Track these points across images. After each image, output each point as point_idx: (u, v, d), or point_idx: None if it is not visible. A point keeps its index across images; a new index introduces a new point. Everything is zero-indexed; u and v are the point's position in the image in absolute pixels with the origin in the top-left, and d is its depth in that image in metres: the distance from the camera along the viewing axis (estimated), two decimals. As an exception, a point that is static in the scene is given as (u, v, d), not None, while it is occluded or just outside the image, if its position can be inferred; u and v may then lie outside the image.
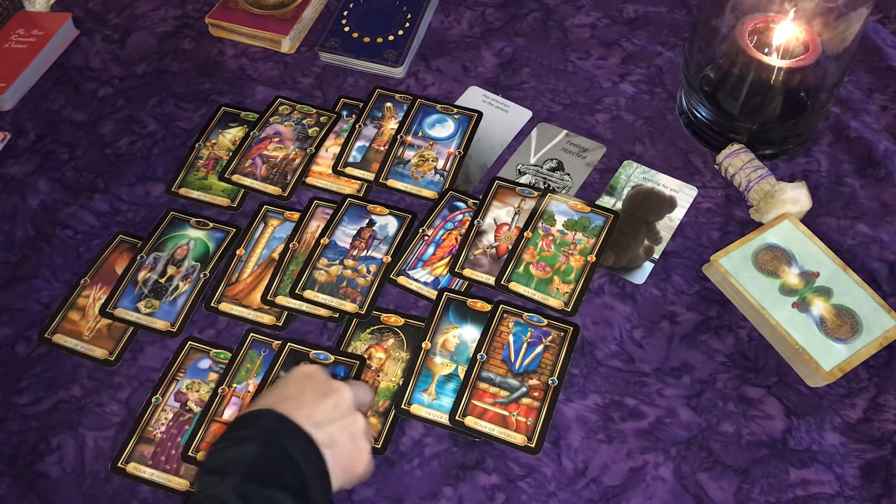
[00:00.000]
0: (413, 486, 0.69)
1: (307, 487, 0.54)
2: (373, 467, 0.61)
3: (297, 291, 0.78)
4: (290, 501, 0.52)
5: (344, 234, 0.83)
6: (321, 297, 0.78)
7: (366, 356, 0.75)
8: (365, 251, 0.82)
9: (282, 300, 0.78)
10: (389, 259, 0.81)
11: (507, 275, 0.79)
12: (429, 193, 0.86)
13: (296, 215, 0.85)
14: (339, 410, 0.59)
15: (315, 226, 0.84)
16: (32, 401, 0.74)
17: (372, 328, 0.77)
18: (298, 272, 0.79)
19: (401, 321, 0.77)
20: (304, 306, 0.78)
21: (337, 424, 0.59)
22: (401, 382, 0.73)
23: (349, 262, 0.81)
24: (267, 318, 0.78)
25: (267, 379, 0.73)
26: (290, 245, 0.82)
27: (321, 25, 1.04)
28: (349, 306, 0.77)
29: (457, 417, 0.71)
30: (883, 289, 0.79)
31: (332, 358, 0.74)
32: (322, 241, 0.82)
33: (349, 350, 0.75)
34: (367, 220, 0.84)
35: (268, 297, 0.78)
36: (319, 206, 0.85)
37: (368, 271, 0.80)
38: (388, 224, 0.84)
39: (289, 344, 0.75)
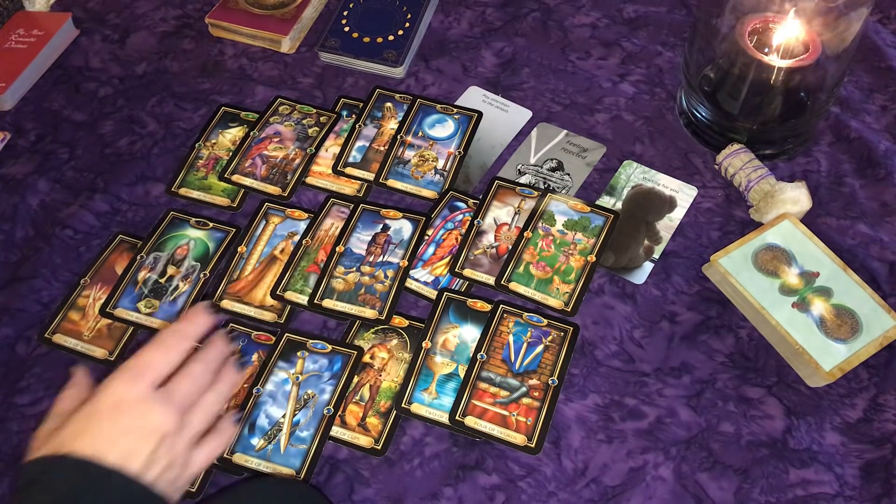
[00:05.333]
0: (413, 486, 0.69)
1: None
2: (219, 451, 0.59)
3: (315, 302, 0.77)
4: None
5: (359, 241, 0.82)
6: (340, 306, 0.77)
7: (368, 354, 0.75)
8: (381, 256, 0.81)
9: (291, 295, 0.78)
10: (406, 263, 0.80)
11: (507, 275, 0.79)
12: (429, 193, 0.86)
13: (297, 212, 0.85)
14: (153, 435, 0.52)
15: (329, 223, 0.83)
16: (32, 401, 0.74)
17: (376, 328, 0.77)
18: (316, 282, 0.79)
19: (405, 322, 0.77)
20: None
21: (159, 451, 0.52)
22: (402, 382, 0.73)
23: (366, 268, 0.80)
24: (269, 316, 0.78)
25: (263, 371, 0.73)
26: (304, 241, 0.82)
27: (321, 25, 1.04)
28: (369, 313, 0.77)
29: (457, 417, 0.71)
30: (883, 289, 0.79)
31: (330, 347, 0.74)
32: (338, 249, 0.81)
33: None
34: (381, 226, 0.84)
35: (276, 292, 0.78)
36: (335, 205, 0.85)
37: (386, 276, 0.80)
38: (402, 228, 0.83)
39: (286, 334, 0.75)
